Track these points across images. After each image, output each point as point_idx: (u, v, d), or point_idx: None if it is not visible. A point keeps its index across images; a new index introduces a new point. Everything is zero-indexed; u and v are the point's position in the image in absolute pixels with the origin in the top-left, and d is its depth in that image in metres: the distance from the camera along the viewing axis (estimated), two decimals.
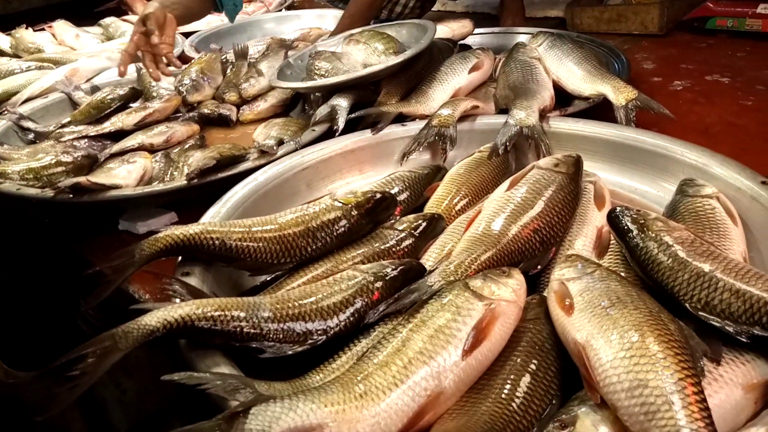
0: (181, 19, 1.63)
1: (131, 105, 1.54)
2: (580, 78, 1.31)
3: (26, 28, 2.28)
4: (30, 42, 2.16)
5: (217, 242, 0.82)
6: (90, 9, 2.98)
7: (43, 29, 2.33)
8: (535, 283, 0.80)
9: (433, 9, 2.41)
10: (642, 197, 1.03)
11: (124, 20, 2.42)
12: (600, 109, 1.24)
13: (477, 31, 1.72)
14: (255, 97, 1.59)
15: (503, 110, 1.23)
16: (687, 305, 0.67)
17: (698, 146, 0.98)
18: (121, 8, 2.73)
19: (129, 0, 2.73)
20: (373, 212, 0.91)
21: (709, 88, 1.49)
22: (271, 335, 0.69)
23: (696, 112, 1.37)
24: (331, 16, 2.26)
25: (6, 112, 1.53)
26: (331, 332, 0.71)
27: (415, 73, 1.42)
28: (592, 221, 0.88)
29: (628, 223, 0.77)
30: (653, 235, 0.74)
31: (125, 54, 1.51)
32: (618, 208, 0.80)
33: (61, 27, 2.29)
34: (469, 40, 1.70)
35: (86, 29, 2.32)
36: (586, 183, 0.94)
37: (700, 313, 0.66)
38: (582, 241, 0.84)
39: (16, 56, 2.11)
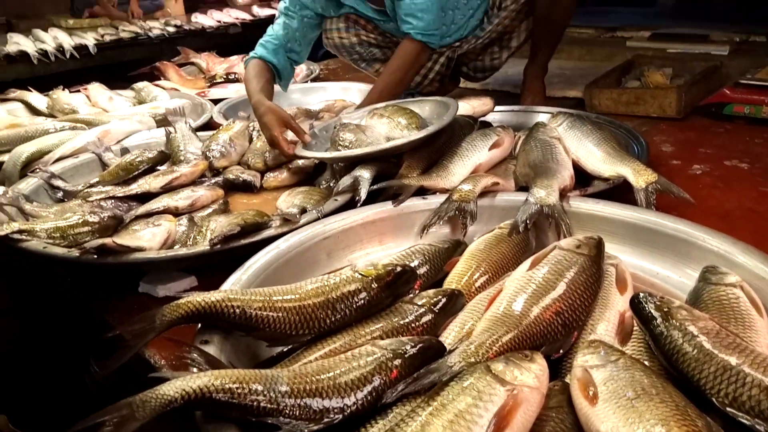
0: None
1: (159, 168, 1.58)
2: (599, 159, 1.33)
3: (63, 89, 2.38)
4: (66, 103, 2.25)
5: (237, 311, 0.82)
6: (124, 73, 3.12)
7: (78, 91, 2.43)
8: (557, 368, 0.79)
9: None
10: (664, 282, 1.03)
11: (157, 85, 2.51)
12: (619, 191, 1.25)
13: (497, 108, 1.77)
14: (279, 165, 1.62)
15: (523, 188, 1.24)
16: (714, 399, 0.66)
17: (720, 233, 0.98)
18: (154, 73, 2.86)
19: (162, 66, 2.86)
20: (393, 286, 0.91)
21: (728, 173, 1.51)
22: (287, 411, 0.68)
23: (715, 197, 1.38)
24: (355, 89, 2.34)
25: (38, 170, 1.58)
26: (348, 411, 0.70)
27: (436, 148, 1.45)
28: (615, 306, 0.87)
29: (652, 311, 0.76)
30: (677, 324, 0.73)
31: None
32: (641, 294, 0.79)
33: (96, 89, 2.39)
34: (489, 117, 1.74)
35: (119, 92, 2.41)
36: (608, 266, 0.94)
37: (728, 409, 0.64)
38: (604, 326, 0.83)
39: (52, 116, 2.19)
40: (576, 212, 1.14)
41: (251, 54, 1.95)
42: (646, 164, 1.28)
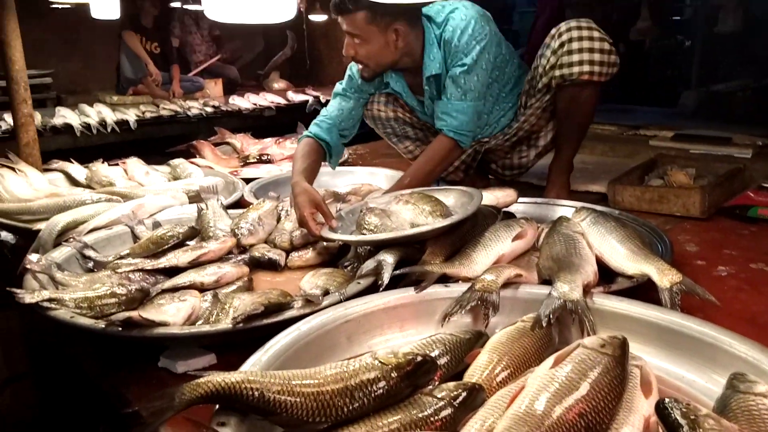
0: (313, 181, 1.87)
1: (188, 243, 1.62)
2: (623, 256, 1.33)
3: (102, 162, 2.49)
4: (104, 175, 2.34)
5: (256, 393, 0.82)
6: (162, 148, 3.25)
7: (117, 164, 2.53)
8: None
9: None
10: (689, 387, 1.00)
11: (192, 162, 2.61)
12: (643, 289, 1.24)
13: (520, 199, 1.80)
14: (305, 245, 1.65)
15: (546, 281, 1.25)
16: None
17: (748, 339, 0.97)
18: (190, 151, 2.97)
19: (198, 145, 2.98)
20: (414, 376, 0.91)
21: (754, 276, 1.49)
22: None
23: (741, 300, 1.36)
24: (382, 175, 2.41)
25: (72, 239, 1.63)
26: None
27: (459, 236, 1.47)
28: (639, 409, 0.85)
29: (678, 418, 0.74)
30: None
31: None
32: (667, 400, 0.77)
33: (134, 164, 2.49)
34: (512, 208, 1.77)
35: (156, 167, 2.51)
36: (632, 367, 0.93)
37: None
38: (629, 430, 0.81)
39: (90, 187, 2.28)
40: (600, 309, 1.13)
41: (305, 132, 2.09)
42: (670, 263, 1.27)
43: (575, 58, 1.93)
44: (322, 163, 2.05)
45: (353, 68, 2.10)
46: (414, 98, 2.13)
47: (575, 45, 1.93)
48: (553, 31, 2.02)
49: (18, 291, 1.25)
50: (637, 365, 0.93)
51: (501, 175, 2.37)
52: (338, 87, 2.15)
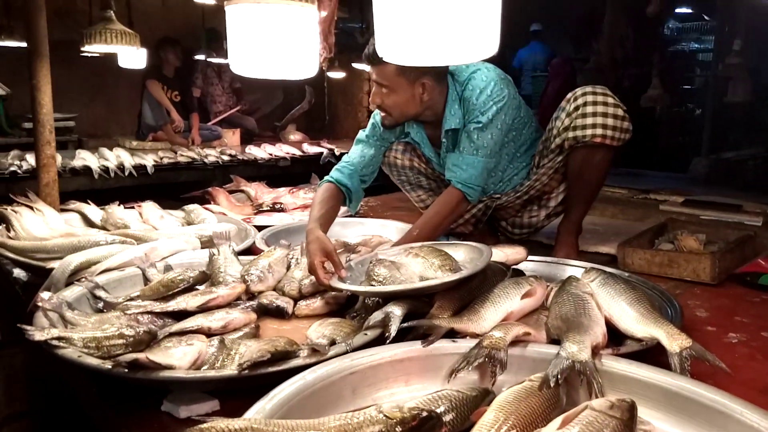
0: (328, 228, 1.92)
1: (198, 287, 1.63)
2: (633, 319, 1.32)
3: (118, 204, 2.53)
4: (119, 218, 2.38)
5: None
6: (177, 193, 3.31)
7: (132, 207, 2.57)
8: None
9: None
10: None
11: (206, 208, 2.65)
12: (652, 353, 1.23)
13: (530, 258, 1.80)
14: (313, 294, 1.66)
15: (555, 340, 1.24)
16: None
17: (760, 408, 0.95)
18: (205, 197, 3.03)
19: (213, 192, 3.04)
20: (417, 431, 0.90)
21: (766, 344, 1.47)
22: None
23: (753, 369, 1.34)
24: (392, 227, 2.43)
25: (84, 279, 1.64)
26: None
27: (468, 292, 1.47)
28: None
29: None
30: None
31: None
32: None
33: (149, 207, 2.53)
34: (521, 266, 1.77)
35: (170, 212, 2.54)
36: (640, 431, 0.91)
37: None
38: None
39: (105, 229, 2.31)
40: (608, 372, 1.12)
41: (326, 177, 2.16)
42: (680, 328, 1.26)
43: (589, 121, 1.98)
44: (342, 207, 2.13)
45: (377, 116, 2.18)
46: (432, 150, 2.20)
47: (590, 109, 1.99)
48: (569, 95, 2.08)
49: (28, 328, 1.25)
50: (645, 430, 0.92)
51: (510, 234, 2.39)
52: (361, 134, 2.23)
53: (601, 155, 2.02)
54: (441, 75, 1.99)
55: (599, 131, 1.97)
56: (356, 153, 2.20)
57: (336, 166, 2.19)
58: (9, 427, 2.11)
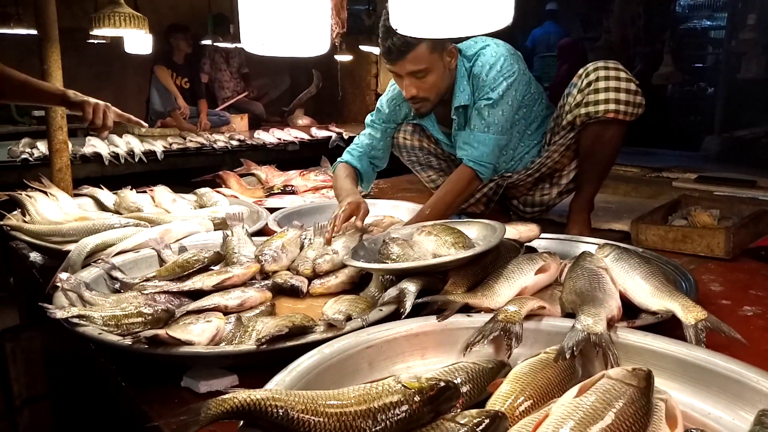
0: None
1: (213, 267, 1.64)
2: (647, 292, 1.32)
3: (131, 189, 2.55)
4: (132, 202, 2.39)
5: (280, 411, 0.83)
6: (186, 178, 3.32)
7: (144, 191, 2.59)
8: None
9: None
10: (716, 423, 0.98)
11: (217, 191, 2.66)
12: (667, 327, 1.23)
13: (543, 235, 1.80)
14: (327, 273, 1.67)
15: (569, 314, 1.24)
16: None
17: None
18: (216, 181, 3.04)
19: (224, 175, 3.05)
20: (436, 401, 0.90)
21: None
22: None
23: None
24: (404, 207, 2.43)
25: (101, 261, 1.66)
26: None
27: (482, 268, 1.48)
28: None
29: None
30: None
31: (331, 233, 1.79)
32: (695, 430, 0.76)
33: (161, 191, 2.54)
34: (534, 244, 1.77)
35: (182, 196, 2.55)
36: (657, 400, 0.91)
37: None
38: None
39: (118, 213, 2.33)
40: (623, 344, 1.12)
41: (339, 159, 2.27)
42: (695, 302, 1.26)
43: (601, 96, 1.95)
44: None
45: (383, 101, 2.21)
46: (440, 130, 2.18)
47: (602, 84, 1.96)
48: (581, 71, 2.05)
49: (49, 306, 1.27)
50: (662, 399, 0.92)
51: (522, 212, 2.38)
52: (368, 118, 2.28)
53: (613, 131, 2.00)
54: (456, 39, 1.99)
55: (612, 106, 1.95)
56: (364, 136, 2.26)
57: (347, 149, 2.24)
58: (30, 408, 2.15)
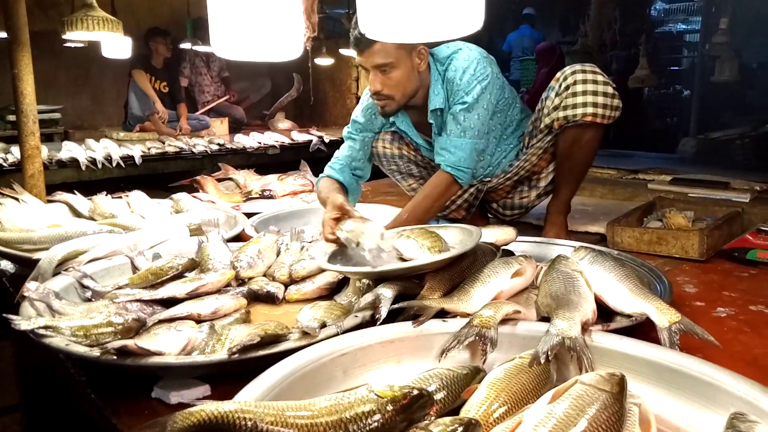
0: None
1: (187, 275, 1.62)
2: (622, 295, 1.33)
3: (105, 194, 2.51)
4: (106, 208, 2.35)
5: (249, 423, 0.81)
6: (165, 183, 3.29)
7: (120, 197, 2.55)
8: None
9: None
10: (689, 426, 0.99)
11: (194, 197, 2.63)
12: (642, 329, 1.24)
13: (519, 238, 1.80)
14: (303, 279, 1.65)
15: (545, 318, 1.24)
16: None
17: (748, 379, 0.96)
18: (193, 186, 3.00)
19: (201, 180, 3.01)
20: (409, 409, 0.89)
21: (754, 318, 1.48)
22: None
23: (742, 342, 1.35)
24: (384, 212, 2.42)
25: (71, 269, 1.63)
26: None
27: (458, 272, 1.48)
28: None
29: None
30: None
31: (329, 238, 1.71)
32: None
33: (137, 197, 2.50)
34: (511, 247, 1.77)
35: (159, 201, 2.52)
36: (631, 404, 0.91)
37: None
38: None
39: (92, 219, 2.29)
40: (598, 347, 1.12)
41: (321, 175, 2.22)
42: (669, 304, 1.27)
43: (579, 99, 1.97)
44: None
45: (357, 111, 2.20)
46: (419, 136, 2.18)
47: (579, 87, 1.97)
48: (558, 74, 2.06)
49: (14, 317, 1.24)
50: (635, 403, 0.92)
51: (502, 215, 2.39)
52: (345, 131, 2.26)
53: (591, 134, 2.02)
54: (428, 43, 1.97)
55: (590, 110, 1.96)
56: (344, 148, 2.24)
57: (328, 164, 2.22)
58: (1, 419, 2.10)
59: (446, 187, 2.00)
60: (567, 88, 1.99)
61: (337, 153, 2.26)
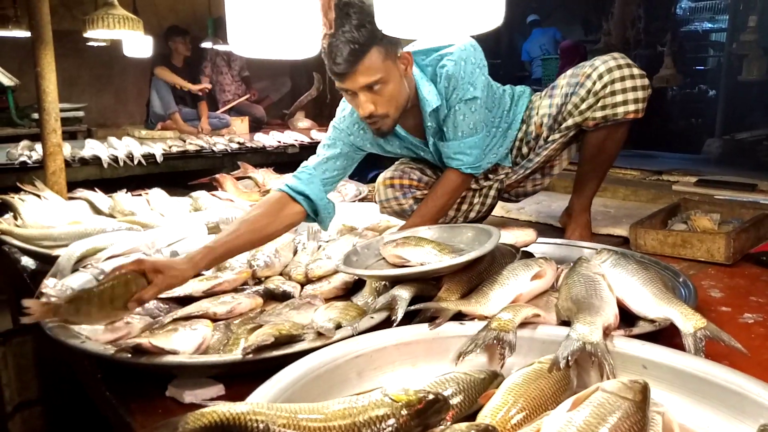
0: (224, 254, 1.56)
1: (204, 273, 1.62)
2: (645, 299, 1.29)
3: (126, 192, 2.53)
4: (126, 205, 2.37)
5: (261, 425, 0.80)
6: (185, 181, 3.30)
7: (140, 195, 2.57)
8: None
9: (497, 215, 2.53)
10: None
11: (213, 195, 2.64)
12: (666, 335, 1.20)
13: (540, 240, 1.77)
14: (319, 278, 1.64)
15: (565, 322, 1.21)
16: None
17: None
18: (212, 184, 3.01)
19: (220, 178, 3.02)
20: (424, 414, 0.88)
21: None
22: None
23: None
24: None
25: (89, 266, 1.64)
26: None
27: (476, 274, 1.45)
28: None
29: None
30: None
31: None
32: None
33: (156, 194, 2.53)
34: (531, 249, 1.74)
35: (178, 199, 2.54)
36: (654, 413, 0.88)
37: None
38: None
39: (112, 216, 2.31)
40: (620, 353, 1.09)
41: (277, 187, 1.84)
42: (694, 309, 1.23)
43: (619, 98, 1.89)
44: (309, 225, 1.90)
45: (340, 126, 1.97)
46: (415, 138, 2.05)
47: (618, 86, 1.89)
48: (588, 69, 1.95)
49: (30, 302, 1.23)
50: (658, 412, 0.89)
51: (515, 201, 2.37)
52: (323, 143, 1.99)
53: (623, 129, 1.97)
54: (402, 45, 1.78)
55: (631, 107, 1.89)
56: (315, 156, 1.94)
57: (291, 174, 1.90)
58: (21, 414, 2.12)
59: (461, 184, 1.98)
60: (605, 86, 1.89)
61: (303, 163, 1.94)
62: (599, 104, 1.92)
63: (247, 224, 1.60)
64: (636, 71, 1.92)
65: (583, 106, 1.95)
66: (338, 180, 1.95)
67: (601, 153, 2.02)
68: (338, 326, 1.25)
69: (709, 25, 7.89)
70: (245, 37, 1.21)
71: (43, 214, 2.16)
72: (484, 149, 1.97)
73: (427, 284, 1.43)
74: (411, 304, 1.32)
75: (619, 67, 1.91)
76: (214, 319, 1.36)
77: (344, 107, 1.96)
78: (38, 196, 2.27)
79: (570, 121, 1.99)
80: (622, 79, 1.89)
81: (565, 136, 2.03)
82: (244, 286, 1.59)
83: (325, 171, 1.89)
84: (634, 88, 1.89)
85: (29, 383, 2.15)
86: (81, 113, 5.87)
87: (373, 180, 2.40)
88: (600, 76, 1.91)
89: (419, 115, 1.92)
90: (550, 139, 2.06)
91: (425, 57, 1.89)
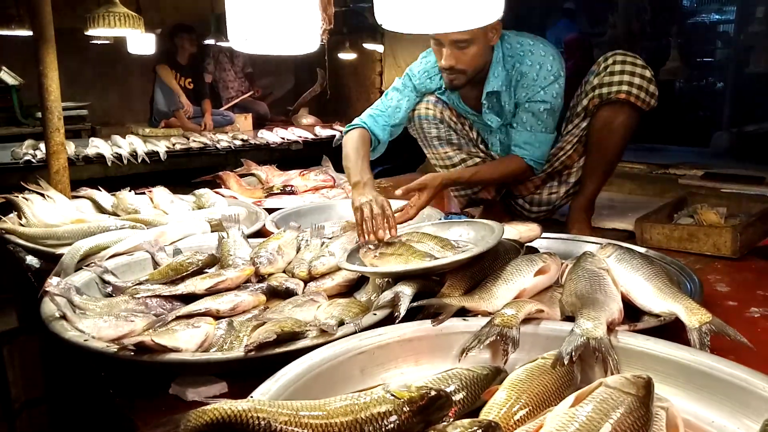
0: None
1: (207, 270, 1.61)
2: (650, 294, 1.28)
3: (129, 190, 2.53)
4: (129, 203, 2.37)
5: (263, 423, 0.80)
6: (189, 178, 3.30)
7: (143, 193, 2.57)
8: None
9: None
10: (719, 431, 0.94)
11: (216, 192, 2.64)
12: (671, 330, 1.19)
13: (544, 235, 1.76)
14: (323, 275, 1.64)
15: (569, 318, 1.21)
16: None
17: None
18: (216, 182, 3.01)
19: (224, 176, 3.02)
20: (426, 411, 0.87)
21: None
22: None
23: None
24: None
25: (93, 264, 1.64)
26: None
27: (480, 270, 1.44)
28: None
29: None
30: None
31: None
32: None
33: (159, 192, 2.52)
34: (535, 244, 1.73)
35: (181, 197, 2.53)
36: (658, 408, 0.88)
37: None
38: None
39: (115, 214, 2.31)
40: (624, 348, 1.08)
41: (358, 121, 2.14)
42: (700, 303, 1.22)
43: (616, 78, 1.98)
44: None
45: (413, 70, 2.19)
46: (466, 107, 2.20)
47: (617, 67, 2.00)
48: (601, 59, 2.08)
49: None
50: (663, 407, 0.88)
51: (528, 212, 2.34)
52: (397, 82, 2.23)
53: (623, 117, 2.00)
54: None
55: (624, 87, 1.96)
56: (392, 101, 2.19)
57: (368, 112, 2.16)
58: (27, 412, 2.13)
59: (521, 172, 2.09)
60: (606, 68, 2.01)
61: (381, 103, 2.20)
62: (598, 83, 2.01)
63: (365, 154, 1.98)
64: (639, 62, 2.00)
65: (589, 88, 2.05)
66: (400, 125, 2.22)
67: (601, 143, 2.06)
68: (341, 323, 1.24)
69: (717, 17, 7.81)
70: (245, 34, 1.21)
71: (47, 213, 2.17)
72: (550, 149, 2.09)
73: (430, 281, 1.42)
74: (414, 300, 1.31)
75: (624, 55, 2.02)
76: (217, 316, 1.35)
77: (424, 54, 2.18)
78: (42, 195, 2.27)
79: (579, 107, 2.08)
80: (623, 63, 1.99)
81: (577, 126, 2.10)
82: (247, 284, 1.58)
83: (396, 116, 2.17)
84: (632, 73, 1.97)
85: (35, 382, 2.16)
86: (84, 111, 5.88)
87: (379, 176, 2.40)
88: (605, 59, 2.04)
89: (478, 88, 2.07)
90: (565, 130, 2.14)
91: (508, 44, 2.02)
